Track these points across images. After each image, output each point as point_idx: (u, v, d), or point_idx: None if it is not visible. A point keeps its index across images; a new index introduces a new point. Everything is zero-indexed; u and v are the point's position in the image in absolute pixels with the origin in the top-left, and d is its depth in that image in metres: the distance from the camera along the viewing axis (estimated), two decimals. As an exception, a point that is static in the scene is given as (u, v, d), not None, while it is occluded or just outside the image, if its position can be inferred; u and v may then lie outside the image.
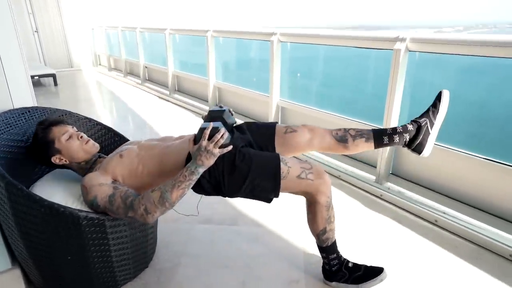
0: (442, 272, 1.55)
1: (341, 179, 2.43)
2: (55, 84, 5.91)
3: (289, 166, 1.28)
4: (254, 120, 3.60)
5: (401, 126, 1.45)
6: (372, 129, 1.48)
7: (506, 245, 1.65)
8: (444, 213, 1.92)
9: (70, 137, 1.34)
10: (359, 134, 1.47)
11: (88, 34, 7.91)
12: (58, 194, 1.28)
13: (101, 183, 1.24)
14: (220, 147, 1.18)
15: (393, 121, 2.17)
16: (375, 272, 1.44)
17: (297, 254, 1.66)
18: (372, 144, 1.46)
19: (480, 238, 1.72)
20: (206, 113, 1.43)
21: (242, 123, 1.53)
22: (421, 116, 1.45)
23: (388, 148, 2.22)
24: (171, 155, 1.32)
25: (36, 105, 1.56)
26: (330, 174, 2.49)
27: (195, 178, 1.18)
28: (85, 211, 1.21)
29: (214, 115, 1.34)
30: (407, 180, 2.24)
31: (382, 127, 1.49)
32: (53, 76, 5.88)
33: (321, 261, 1.50)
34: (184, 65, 5.02)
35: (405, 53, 2.06)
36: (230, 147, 1.20)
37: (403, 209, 2.04)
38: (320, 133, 1.48)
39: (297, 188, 1.31)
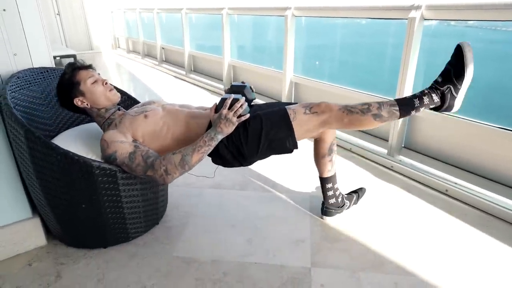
0: (451, 237, 1.55)
1: (352, 152, 2.43)
2: (76, 65, 6.05)
3: (294, 109, 1.33)
4: (267, 97, 3.62)
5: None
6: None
7: (516, 213, 1.63)
8: (455, 183, 1.90)
9: (96, 81, 1.37)
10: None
11: (108, 17, 8.04)
12: (75, 145, 1.34)
13: (122, 140, 1.28)
14: (238, 117, 1.25)
15: (406, 93, 2.14)
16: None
17: (304, 217, 1.69)
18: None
19: (490, 206, 1.71)
20: (228, 87, 1.46)
21: (262, 103, 1.56)
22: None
23: (399, 121, 2.20)
24: (196, 123, 1.38)
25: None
26: (341, 147, 2.50)
27: (214, 143, 1.25)
28: (98, 161, 1.27)
29: (235, 89, 1.40)
30: (420, 153, 2.22)
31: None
32: (74, 57, 6.02)
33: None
34: (201, 48, 5.06)
35: (420, 22, 2.01)
36: (248, 116, 1.27)
37: (413, 180, 2.04)
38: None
39: (310, 123, 1.31)
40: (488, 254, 1.45)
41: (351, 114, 1.28)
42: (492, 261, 1.41)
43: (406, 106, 1.30)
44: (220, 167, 1.45)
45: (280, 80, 3.26)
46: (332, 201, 1.63)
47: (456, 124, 1.99)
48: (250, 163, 1.38)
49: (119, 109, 1.45)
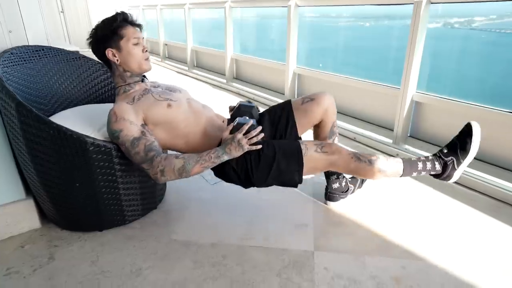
0: (459, 222, 1.49)
1: (356, 141, 2.37)
2: (79, 61, 6.04)
3: (306, 145, 1.30)
4: (271, 90, 3.58)
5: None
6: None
7: (528, 199, 1.56)
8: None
9: (138, 44, 1.29)
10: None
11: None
12: (69, 123, 1.29)
13: (132, 121, 1.22)
14: (251, 144, 1.22)
15: (412, 82, 2.08)
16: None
17: (306, 202, 1.64)
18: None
19: (498, 191, 1.64)
20: (236, 105, 1.43)
21: (264, 111, 1.52)
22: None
23: (405, 109, 2.14)
24: (213, 134, 1.35)
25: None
26: (345, 136, 2.44)
27: (218, 162, 1.22)
28: (92, 138, 1.23)
29: (243, 109, 1.40)
30: (426, 142, 2.16)
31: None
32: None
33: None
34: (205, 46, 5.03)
35: (426, 5, 1.96)
36: (259, 147, 1.24)
37: (420, 168, 1.97)
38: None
39: (318, 162, 1.29)
40: (498, 239, 1.38)
41: (359, 161, 1.29)
42: (502, 247, 1.34)
43: (409, 167, 1.33)
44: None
45: (283, 72, 3.21)
46: (336, 185, 1.57)
47: (463, 111, 1.92)
48: (259, 186, 1.33)
49: (142, 80, 1.38)
